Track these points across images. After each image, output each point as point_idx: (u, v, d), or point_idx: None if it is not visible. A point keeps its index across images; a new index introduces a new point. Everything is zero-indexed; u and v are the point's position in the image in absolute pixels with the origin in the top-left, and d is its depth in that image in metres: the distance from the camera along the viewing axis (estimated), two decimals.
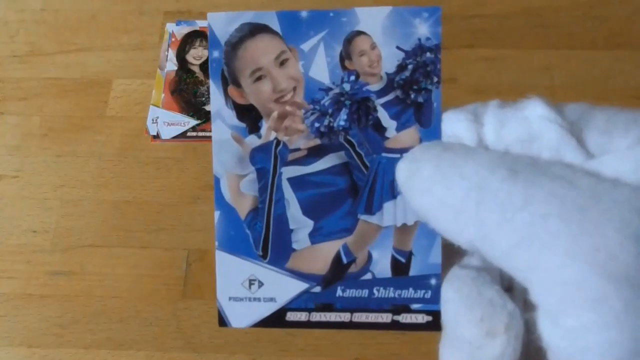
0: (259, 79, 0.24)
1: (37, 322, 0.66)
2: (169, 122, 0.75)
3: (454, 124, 0.20)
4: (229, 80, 0.24)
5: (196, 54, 0.80)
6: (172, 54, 0.80)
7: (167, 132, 0.75)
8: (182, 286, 0.67)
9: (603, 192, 0.16)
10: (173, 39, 0.81)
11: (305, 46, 0.24)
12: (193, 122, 0.75)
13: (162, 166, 0.73)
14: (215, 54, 0.24)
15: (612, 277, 0.15)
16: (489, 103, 0.20)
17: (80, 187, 0.73)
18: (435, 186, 0.18)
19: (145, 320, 0.65)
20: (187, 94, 0.77)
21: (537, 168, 0.17)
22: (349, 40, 0.23)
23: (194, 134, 0.75)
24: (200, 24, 0.82)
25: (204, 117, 0.75)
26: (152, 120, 0.76)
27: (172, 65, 0.79)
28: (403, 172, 0.19)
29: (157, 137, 0.75)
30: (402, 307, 0.24)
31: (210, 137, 0.75)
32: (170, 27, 0.82)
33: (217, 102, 0.24)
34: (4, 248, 0.70)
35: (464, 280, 0.19)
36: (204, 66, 0.79)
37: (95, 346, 0.64)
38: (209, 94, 0.77)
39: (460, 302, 0.19)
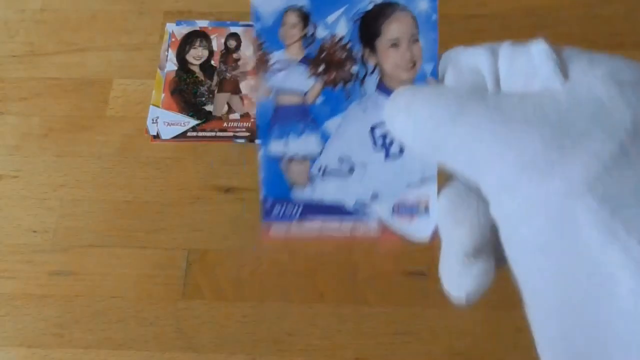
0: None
1: (37, 322, 0.66)
2: (169, 122, 0.75)
3: (475, 57, 0.23)
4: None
5: (196, 54, 0.80)
6: (172, 54, 0.80)
7: (167, 132, 0.75)
8: (182, 286, 0.67)
9: (512, 107, 0.21)
10: (173, 39, 0.81)
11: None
12: (193, 122, 0.75)
13: (162, 166, 0.73)
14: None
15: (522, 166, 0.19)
16: (502, 42, 0.23)
17: (80, 187, 0.73)
18: (406, 118, 0.22)
19: (145, 320, 0.65)
20: (187, 94, 0.77)
21: (481, 100, 0.21)
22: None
23: (194, 134, 0.75)
24: (200, 23, 0.82)
25: (204, 117, 0.75)
26: (152, 120, 0.76)
27: (172, 65, 0.79)
28: (388, 108, 0.24)
29: (157, 137, 0.75)
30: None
31: (209, 137, 0.75)
32: (170, 27, 0.82)
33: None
34: (4, 248, 0.70)
35: (452, 190, 0.24)
36: (204, 66, 0.79)
37: (95, 346, 0.64)
38: (209, 93, 0.77)
39: (448, 204, 0.23)
